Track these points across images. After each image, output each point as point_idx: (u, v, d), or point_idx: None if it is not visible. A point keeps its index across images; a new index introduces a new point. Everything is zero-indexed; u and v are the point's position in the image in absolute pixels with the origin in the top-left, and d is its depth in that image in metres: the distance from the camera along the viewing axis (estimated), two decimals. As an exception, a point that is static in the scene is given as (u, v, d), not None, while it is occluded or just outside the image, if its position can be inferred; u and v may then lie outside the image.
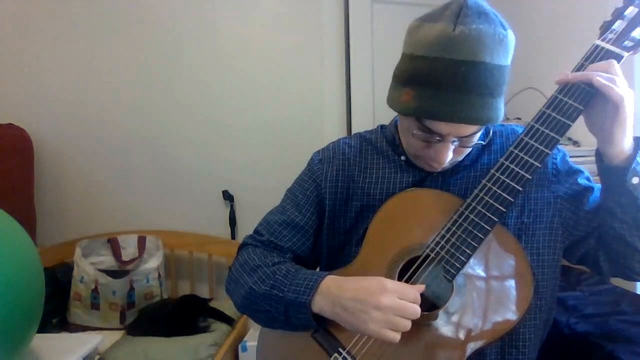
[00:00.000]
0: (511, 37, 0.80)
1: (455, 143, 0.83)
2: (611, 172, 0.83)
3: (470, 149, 0.90)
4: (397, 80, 0.86)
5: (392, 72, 0.92)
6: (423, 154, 0.88)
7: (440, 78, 0.77)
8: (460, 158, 0.91)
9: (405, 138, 0.92)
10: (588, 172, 0.95)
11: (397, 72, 0.87)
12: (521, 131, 0.83)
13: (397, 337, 0.77)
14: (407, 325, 0.77)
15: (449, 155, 0.84)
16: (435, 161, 0.86)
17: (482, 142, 0.90)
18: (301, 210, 1.01)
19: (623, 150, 0.80)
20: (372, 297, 0.78)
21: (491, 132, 0.98)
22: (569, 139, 1.78)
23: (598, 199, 0.90)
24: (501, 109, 0.82)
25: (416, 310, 0.77)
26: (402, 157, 0.98)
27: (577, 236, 0.92)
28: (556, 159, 0.94)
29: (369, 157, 1.02)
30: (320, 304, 0.84)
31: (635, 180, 0.80)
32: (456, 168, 0.95)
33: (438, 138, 0.82)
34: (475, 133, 0.83)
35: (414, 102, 0.80)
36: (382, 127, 1.06)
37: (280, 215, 1.02)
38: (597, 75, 0.77)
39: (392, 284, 0.79)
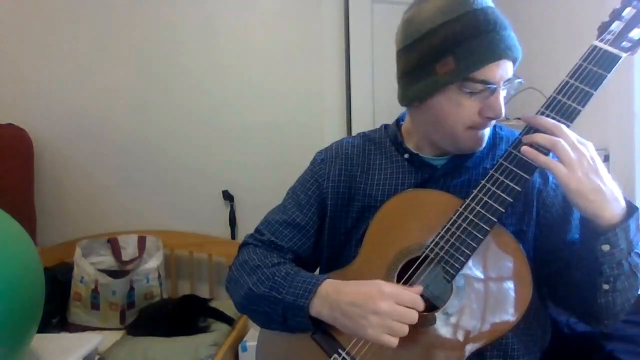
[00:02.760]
0: None
1: (504, 89, 0.86)
2: (584, 229, 0.82)
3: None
4: (419, 67, 0.86)
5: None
6: (478, 120, 0.86)
7: (476, 27, 0.81)
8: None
9: (453, 118, 0.87)
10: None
11: (414, 62, 0.87)
12: None
13: (395, 342, 0.77)
14: (405, 330, 0.77)
15: (504, 106, 0.85)
16: (494, 116, 0.85)
17: (520, 80, 0.89)
18: (302, 210, 1.01)
19: (598, 218, 0.76)
20: (371, 302, 0.78)
21: (497, 137, 0.98)
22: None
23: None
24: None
25: (413, 315, 0.77)
26: (406, 155, 0.98)
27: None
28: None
29: (372, 157, 1.02)
30: (318, 307, 0.84)
31: (605, 247, 0.77)
32: (458, 171, 0.94)
33: (491, 87, 0.83)
34: (513, 76, 0.86)
35: (459, 63, 0.82)
36: (385, 126, 1.06)
37: (282, 215, 1.02)
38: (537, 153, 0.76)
39: (390, 289, 0.79)
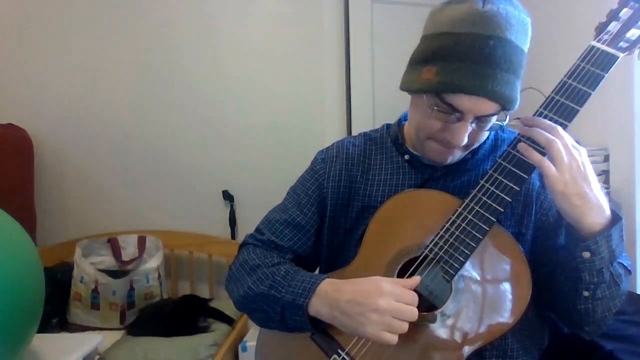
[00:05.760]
0: (530, 27, 0.82)
1: (473, 124, 0.82)
2: (567, 235, 0.83)
3: (482, 139, 0.89)
4: (415, 61, 0.86)
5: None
6: (438, 137, 0.86)
7: (467, 51, 0.78)
8: (472, 146, 0.88)
9: (419, 121, 0.88)
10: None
11: (416, 55, 0.87)
12: None
13: (394, 339, 0.77)
14: (405, 327, 0.77)
15: (465, 139, 0.83)
16: (451, 142, 0.84)
17: (501, 123, 0.85)
18: (303, 210, 1.01)
19: (580, 224, 0.77)
20: (370, 300, 0.78)
21: (499, 140, 0.98)
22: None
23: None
24: (519, 95, 0.82)
25: (413, 312, 0.77)
26: (406, 157, 0.98)
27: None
28: None
29: (372, 158, 1.02)
30: (317, 307, 0.84)
31: (586, 254, 0.77)
32: (458, 172, 0.94)
33: (458, 115, 0.81)
34: (493, 115, 0.82)
35: (437, 77, 0.80)
36: (387, 125, 1.06)
37: (282, 214, 1.02)
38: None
39: (389, 286, 0.79)
